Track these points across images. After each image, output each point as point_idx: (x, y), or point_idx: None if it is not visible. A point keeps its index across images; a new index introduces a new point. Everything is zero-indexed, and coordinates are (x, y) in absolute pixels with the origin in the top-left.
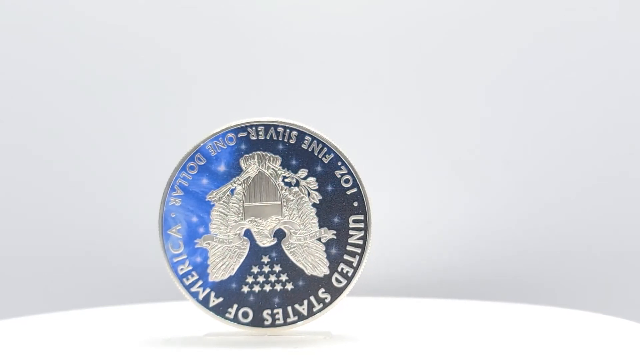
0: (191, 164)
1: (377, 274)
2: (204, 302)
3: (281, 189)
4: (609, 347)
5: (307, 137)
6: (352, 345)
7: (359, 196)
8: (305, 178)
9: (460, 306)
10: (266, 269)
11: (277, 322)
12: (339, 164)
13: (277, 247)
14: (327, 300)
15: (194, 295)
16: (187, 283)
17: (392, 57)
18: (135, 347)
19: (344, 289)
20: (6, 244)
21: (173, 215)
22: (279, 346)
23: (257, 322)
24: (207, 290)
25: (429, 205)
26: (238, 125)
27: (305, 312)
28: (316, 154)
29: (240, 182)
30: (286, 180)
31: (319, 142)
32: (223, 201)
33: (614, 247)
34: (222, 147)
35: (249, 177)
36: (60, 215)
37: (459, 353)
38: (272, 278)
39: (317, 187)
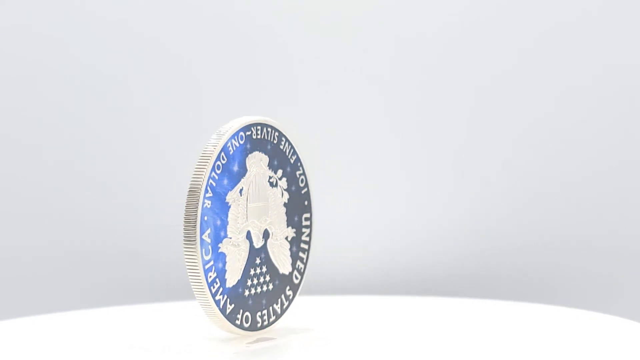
0: (218, 163)
1: (341, 272)
2: (223, 310)
3: (267, 190)
4: (609, 347)
5: (283, 138)
6: (340, 344)
7: (308, 194)
8: (280, 178)
9: (456, 305)
10: (258, 270)
11: (265, 323)
12: (298, 164)
13: (264, 247)
14: (290, 297)
15: (217, 303)
16: (213, 291)
17: (390, 57)
18: (136, 352)
19: (300, 285)
20: (6, 244)
21: (206, 219)
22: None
23: (253, 325)
24: (225, 296)
25: (404, 202)
26: (246, 123)
27: (279, 311)
28: (287, 155)
29: (245, 183)
30: (270, 180)
31: (289, 143)
32: (235, 202)
33: (614, 244)
34: (237, 145)
35: (250, 177)
36: (60, 216)
37: (456, 353)
38: (262, 279)
39: (286, 187)
